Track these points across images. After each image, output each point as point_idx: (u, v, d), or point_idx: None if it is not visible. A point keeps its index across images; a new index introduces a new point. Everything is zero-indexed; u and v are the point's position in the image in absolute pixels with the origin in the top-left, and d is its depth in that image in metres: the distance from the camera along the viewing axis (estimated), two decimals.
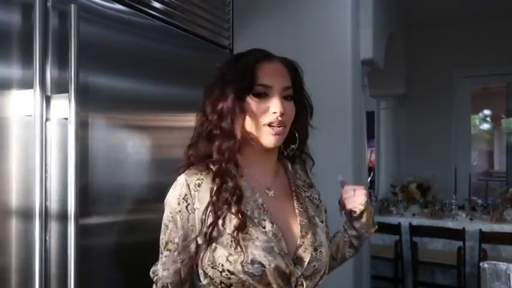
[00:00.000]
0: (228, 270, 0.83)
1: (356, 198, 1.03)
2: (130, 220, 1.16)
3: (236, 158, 0.90)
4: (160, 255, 0.91)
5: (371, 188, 4.99)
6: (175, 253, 0.88)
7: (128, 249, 1.15)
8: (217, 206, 0.86)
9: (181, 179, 0.90)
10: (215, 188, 0.87)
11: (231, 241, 0.83)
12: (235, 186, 0.87)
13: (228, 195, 0.86)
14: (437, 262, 3.45)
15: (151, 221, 1.22)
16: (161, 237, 0.91)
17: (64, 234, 0.95)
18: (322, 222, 0.99)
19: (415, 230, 3.45)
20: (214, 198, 0.86)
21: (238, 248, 0.83)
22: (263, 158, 0.96)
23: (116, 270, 1.12)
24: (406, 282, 3.61)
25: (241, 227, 0.84)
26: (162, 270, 0.90)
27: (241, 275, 0.82)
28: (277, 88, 0.90)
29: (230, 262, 0.82)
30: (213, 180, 0.88)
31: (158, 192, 1.24)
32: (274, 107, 0.88)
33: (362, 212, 1.04)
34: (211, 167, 0.90)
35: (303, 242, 0.90)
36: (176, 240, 0.88)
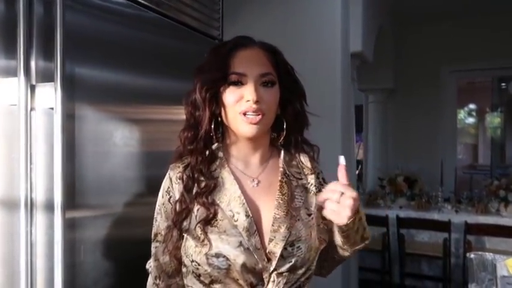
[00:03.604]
0: (195, 261, 0.83)
1: (340, 210, 0.79)
2: (118, 213, 1.15)
3: (206, 148, 0.90)
4: (151, 247, 0.92)
5: (359, 180, 5.03)
6: (163, 244, 0.90)
7: (116, 242, 1.13)
8: (186, 196, 0.86)
9: (168, 172, 0.92)
10: (185, 178, 0.88)
11: (200, 233, 0.84)
12: (205, 177, 0.87)
13: (197, 186, 0.87)
14: (423, 253, 3.51)
15: (138, 214, 1.21)
16: (152, 229, 0.92)
17: (50, 226, 0.93)
18: (310, 215, 0.91)
19: (402, 222, 3.50)
20: (183, 188, 0.87)
21: (206, 241, 0.83)
22: (249, 148, 0.92)
23: (105, 263, 1.11)
24: (393, 273, 3.66)
25: (206, 219, 0.84)
26: (153, 261, 0.92)
27: (206, 267, 0.82)
28: (252, 76, 0.87)
29: (196, 253, 0.83)
30: (184, 170, 0.89)
31: (146, 185, 1.23)
32: (247, 95, 0.85)
33: (344, 231, 0.84)
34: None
35: (274, 237, 0.85)
36: (163, 232, 0.90)
